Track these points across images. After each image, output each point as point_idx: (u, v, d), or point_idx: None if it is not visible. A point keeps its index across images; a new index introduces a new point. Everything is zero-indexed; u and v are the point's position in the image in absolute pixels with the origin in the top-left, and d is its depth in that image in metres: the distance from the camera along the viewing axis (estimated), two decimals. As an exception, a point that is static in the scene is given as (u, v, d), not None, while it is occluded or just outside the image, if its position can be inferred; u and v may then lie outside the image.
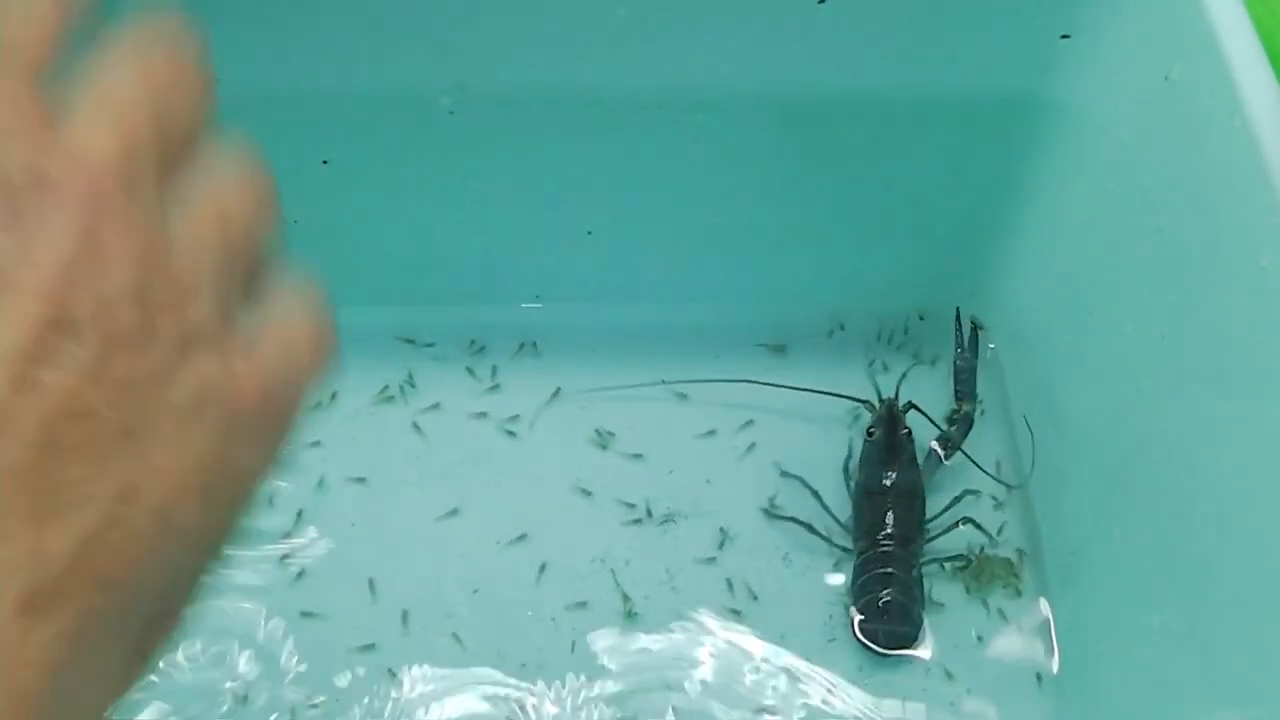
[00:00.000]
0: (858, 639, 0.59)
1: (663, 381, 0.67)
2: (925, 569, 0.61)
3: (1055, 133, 0.58)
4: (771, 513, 0.63)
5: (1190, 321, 0.49)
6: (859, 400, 0.65)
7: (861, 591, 0.60)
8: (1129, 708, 0.54)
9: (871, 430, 0.63)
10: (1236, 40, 0.45)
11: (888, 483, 0.62)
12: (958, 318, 0.66)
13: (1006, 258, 0.65)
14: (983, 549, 0.62)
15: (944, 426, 0.65)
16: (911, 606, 0.59)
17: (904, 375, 0.66)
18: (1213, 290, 0.47)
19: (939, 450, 0.64)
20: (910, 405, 0.64)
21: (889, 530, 0.61)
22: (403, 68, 0.55)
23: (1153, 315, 0.52)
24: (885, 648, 0.59)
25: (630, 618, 0.60)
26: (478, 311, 0.68)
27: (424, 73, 0.56)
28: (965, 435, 0.64)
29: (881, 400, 0.64)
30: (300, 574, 0.61)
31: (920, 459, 0.63)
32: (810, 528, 0.63)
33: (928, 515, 0.62)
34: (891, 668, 0.59)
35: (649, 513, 0.63)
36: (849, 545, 0.62)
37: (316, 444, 0.65)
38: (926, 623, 0.60)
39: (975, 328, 0.67)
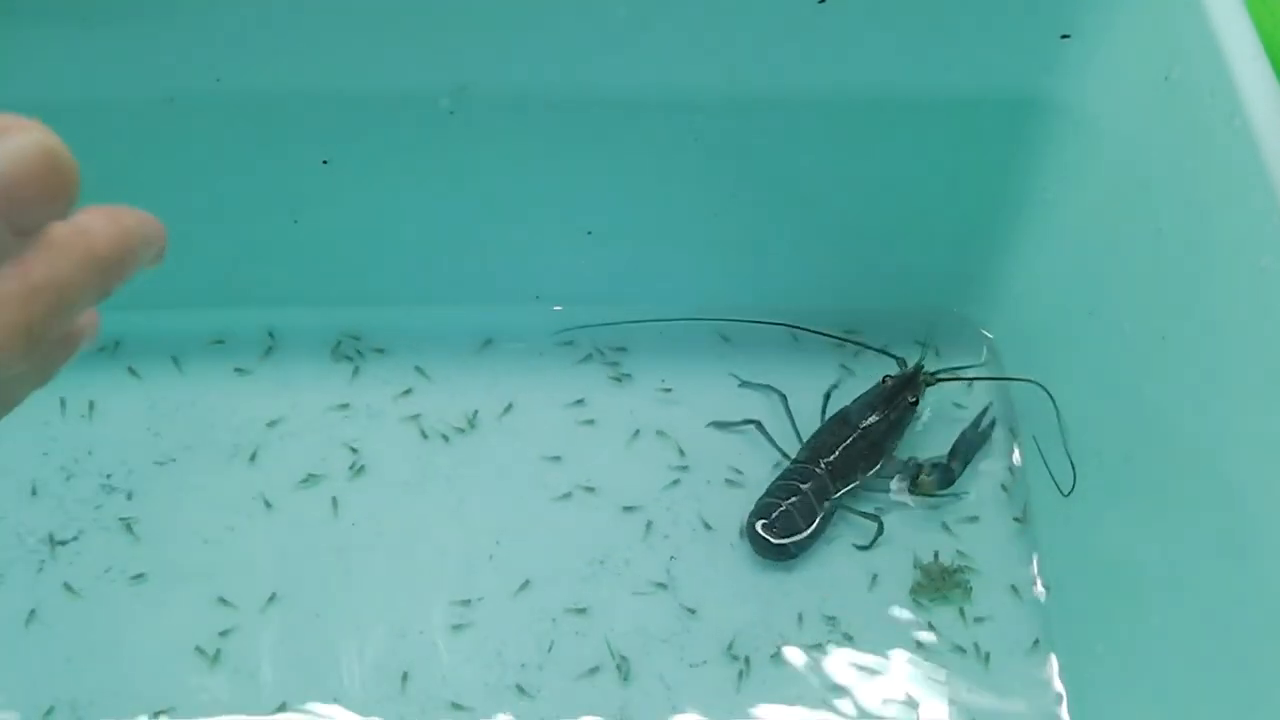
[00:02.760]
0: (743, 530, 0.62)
1: (701, 318, 0.68)
2: (840, 515, 0.63)
3: (1055, 133, 0.58)
4: (723, 424, 0.66)
5: (1190, 321, 0.49)
6: (894, 355, 0.65)
7: (770, 492, 0.62)
8: (1128, 708, 0.54)
9: (888, 379, 0.65)
10: (1236, 40, 0.45)
11: (864, 424, 0.63)
12: (985, 414, 0.65)
13: (1007, 257, 0.65)
14: (936, 555, 0.62)
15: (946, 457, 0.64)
16: (800, 525, 0.61)
17: (935, 351, 0.66)
18: (1213, 290, 0.47)
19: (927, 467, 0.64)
20: (936, 379, 0.65)
21: (832, 459, 0.63)
22: (403, 68, 0.55)
23: (1153, 315, 0.52)
24: (758, 547, 0.61)
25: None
26: (477, 311, 0.68)
27: (424, 73, 0.56)
28: (941, 484, 0.63)
29: (915, 364, 0.65)
30: (300, 572, 0.61)
31: (906, 429, 0.64)
32: (761, 428, 0.65)
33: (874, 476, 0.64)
34: (889, 664, 0.59)
35: (650, 510, 0.63)
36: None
37: (316, 446, 0.65)
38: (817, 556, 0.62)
39: (993, 421, 0.65)
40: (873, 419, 0.64)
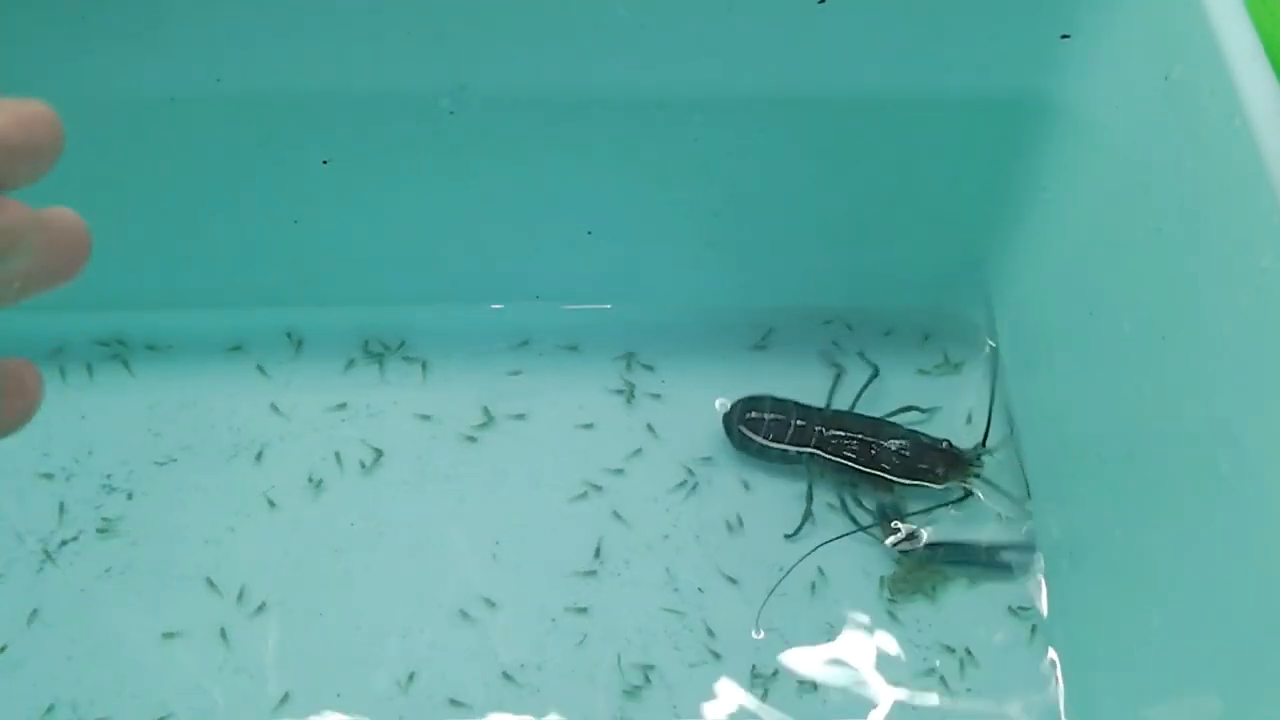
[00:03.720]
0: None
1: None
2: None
3: (1055, 133, 0.58)
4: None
5: (1191, 321, 0.49)
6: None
7: (772, 396, 0.65)
8: (1128, 708, 0.54)
9: (949, 445, 0.63)
10: (1236, 40, 0.45)
11: (885, 445, 0.63)
12: (1019, 552, 0.62)
13: (1007, 258, 0.65)
14: (900, 556, 0.62)
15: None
16: (761, 434, 0.63)
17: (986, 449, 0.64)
18: (1213, 291, 0.47)
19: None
20: (973, 476, 0.63)
21: (835, 435, 0.64)
22: (403, 68, 0.55)
23: (1153, 315, 0.52)
24: (726, 421, 0.65)
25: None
26: (478, 311, 0.69)
27: (424, 73, 0.56)
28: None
29: (975, 453, 0.63)
30: (301, 572, 0.61)
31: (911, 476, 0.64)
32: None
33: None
34: (889, 664, 0.59)
35: (651, 510, 0.63)
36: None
37: (316, 445, 0.65)
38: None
39: (1013, 564, 0.62)
40: (898, 449, 0.63)
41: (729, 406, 0.65)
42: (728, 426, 0.64)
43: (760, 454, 0.64)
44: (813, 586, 0.61)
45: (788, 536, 0.63)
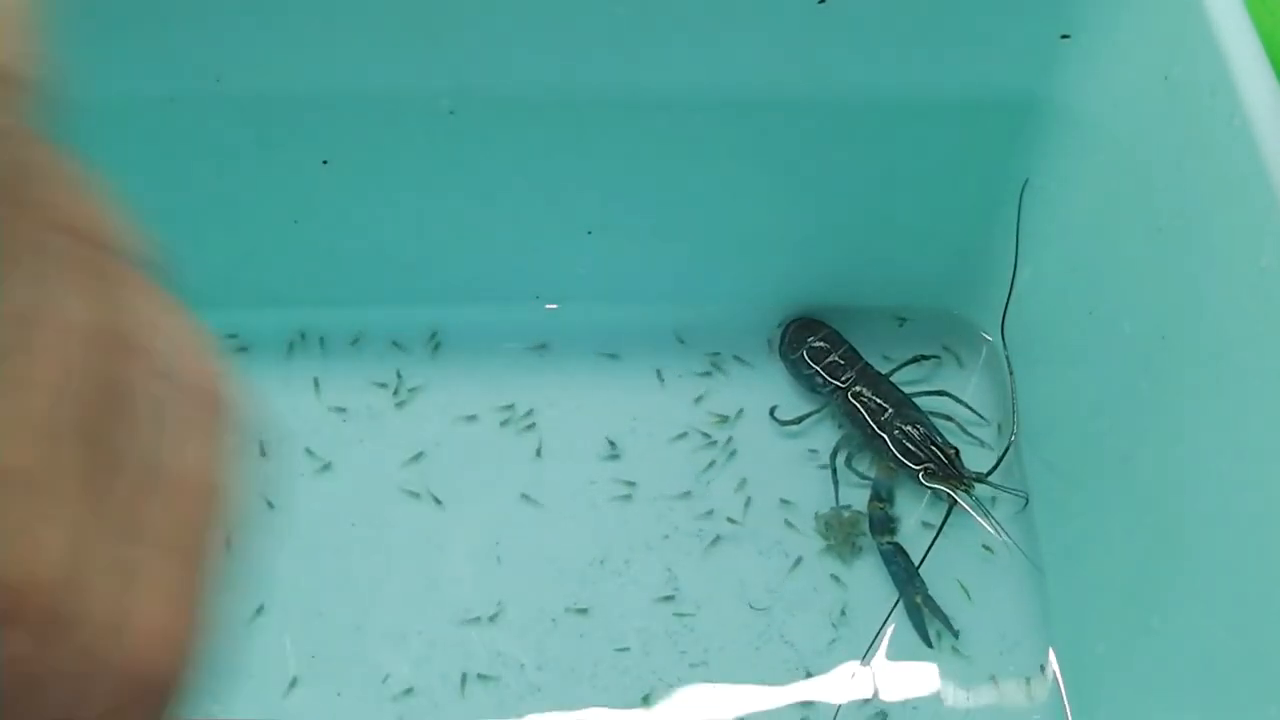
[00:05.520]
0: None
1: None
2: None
3: (1055, 133, 0.58)
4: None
5: (1190, 321, 0.49)
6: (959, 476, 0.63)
7: (831, 327, 0.68)
8: (1128, 708, 0.54)
9: (955, 454, 0.63)
10: (1236, 40, 0.45)
11: (906, 425, 0.64)
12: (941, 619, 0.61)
13: (1007, 258, 0.65)
14: (846, 508, 0.63)
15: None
16: (815, 358, 0.66)
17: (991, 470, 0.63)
18: (1213, 290, 0.47)
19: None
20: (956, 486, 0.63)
21: (859, 389, 0.65)
22: (403, 68, 0.55)
23: (1153, 315, 0.52)
24: (791, 327, 0.68)
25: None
26: (478, 311, 0.68)
27: (424, 73, 0.56)
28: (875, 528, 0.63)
29: (971, 475, 0.63)
30: (301, 573, 0.61)
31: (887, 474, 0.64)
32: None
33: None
34: (890, 663, 0.59)
35: (651, 511, 0.63)
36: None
37: (315, 447, 0.65)
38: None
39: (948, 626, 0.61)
40: (907, 429, 0.64)
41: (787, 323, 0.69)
42: (783, 331, 0.68)
43: (793, 368, 0.67)
44: (817, 589, 0.62)
45: (777, 417, 0.66)
